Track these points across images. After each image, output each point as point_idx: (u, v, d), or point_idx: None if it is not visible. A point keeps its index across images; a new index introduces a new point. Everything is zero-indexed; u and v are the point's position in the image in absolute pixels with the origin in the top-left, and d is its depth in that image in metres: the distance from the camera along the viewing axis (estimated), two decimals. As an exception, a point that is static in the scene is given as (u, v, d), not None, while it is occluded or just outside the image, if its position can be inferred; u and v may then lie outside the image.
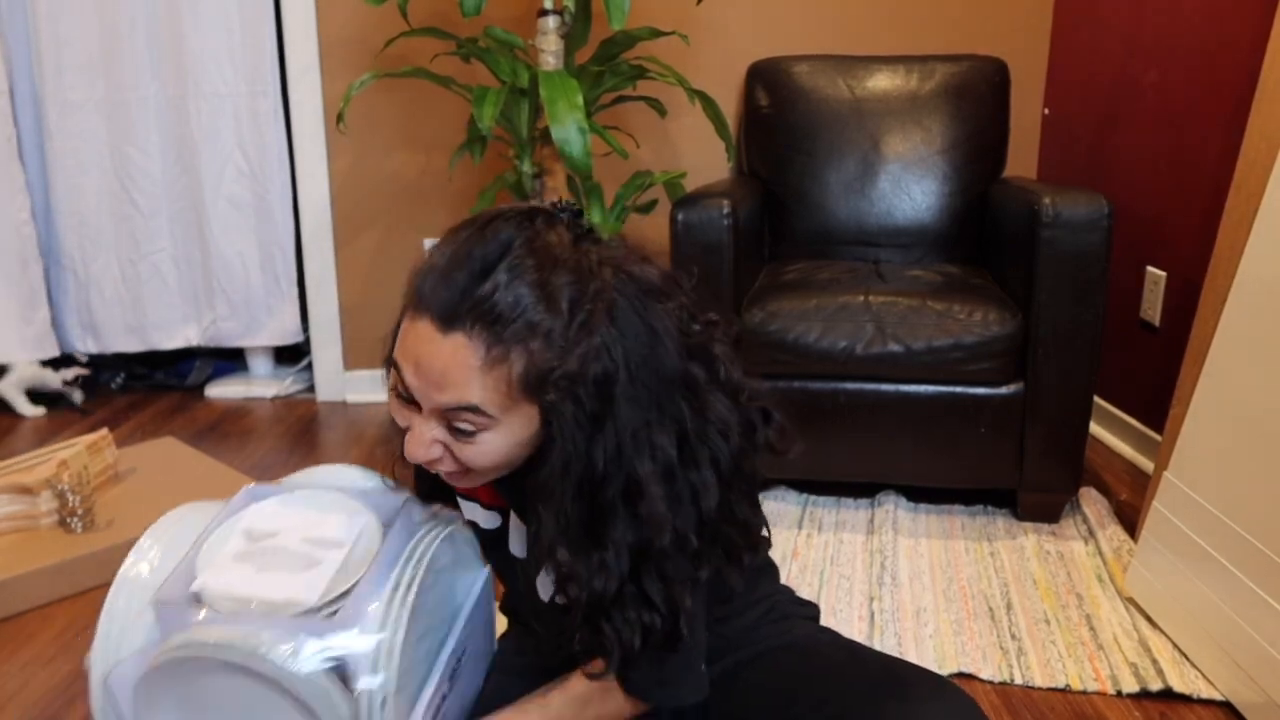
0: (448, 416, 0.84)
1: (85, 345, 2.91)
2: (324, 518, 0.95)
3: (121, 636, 0.88)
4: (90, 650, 0.88)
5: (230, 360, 3.13)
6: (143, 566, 0.92)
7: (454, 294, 0.80)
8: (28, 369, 2.77)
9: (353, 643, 0.82)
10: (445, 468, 0.88)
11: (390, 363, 0.87)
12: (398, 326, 0.87)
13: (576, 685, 0.97)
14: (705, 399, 0.88)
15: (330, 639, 0.82)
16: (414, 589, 0.87)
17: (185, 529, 0.96)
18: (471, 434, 0.84)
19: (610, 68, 2.29)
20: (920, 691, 0.92)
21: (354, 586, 0.86)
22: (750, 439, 0.92)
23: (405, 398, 0.86)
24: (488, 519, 1.05)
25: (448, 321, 0.80)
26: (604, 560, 0.86)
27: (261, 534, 0.94)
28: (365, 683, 0.82)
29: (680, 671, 0.97)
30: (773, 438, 0.95)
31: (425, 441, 0.85)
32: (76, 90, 2.73)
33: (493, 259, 0.81)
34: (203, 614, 0.85)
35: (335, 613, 0.84)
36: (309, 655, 0.81)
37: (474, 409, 0.82)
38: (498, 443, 0.85)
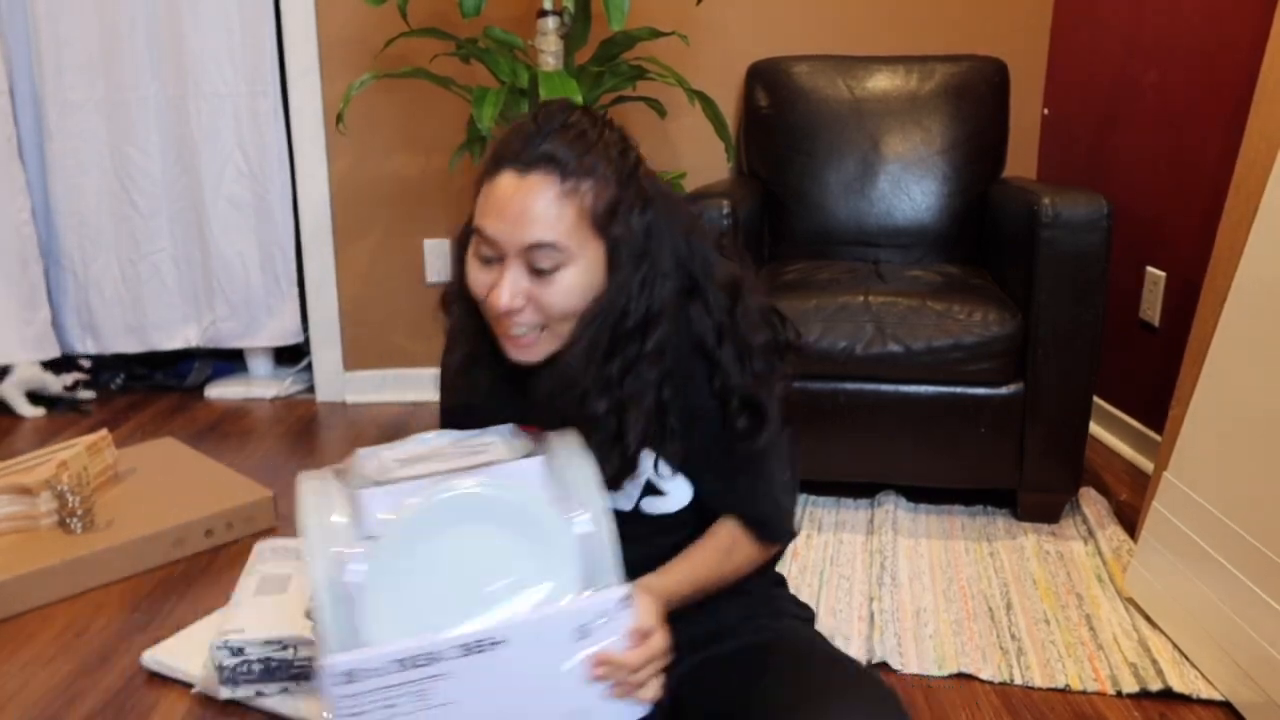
0: (530, 257, 0.96)
1: (85, 346, 2.91)
2: (457, 442, 1.01)
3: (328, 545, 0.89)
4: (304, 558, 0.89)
5: (230, 361, 3.13)
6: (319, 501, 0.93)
7: (529, 146, 0.96)
8: (28, 370, 2.77)
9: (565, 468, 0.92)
10: (526, 318, 0.99)
11: (462, 242, 1.02)
12: (468, 229, 1.01)
13: (715, 538, 1.08)
14: (710, 265, 1.05)
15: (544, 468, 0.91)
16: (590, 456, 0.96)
17: (328, 481, 0.97)
18: (551, 272, 0.96)
19: (610, 68, 2.29)
20: (842, 693, 0.98)
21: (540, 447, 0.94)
22: (740, 296, 1.07)
23: (486, 259, 0.99)
24: None
25: (525, 166, 0.95)
26: (635, 370, 1.01)
27: (412, 458, 0.98)
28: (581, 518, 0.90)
29: (788, 507, 1.14)
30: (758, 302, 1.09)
31: (513, 289, 0.97)
32: (76, 90, 2.73)
33: (557, 121, 0.98)
34: (408, 484, 0.89)
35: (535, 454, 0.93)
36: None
37: (553, 244, 0.95)
38: (573, 281, 0.97)
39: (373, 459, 0.98)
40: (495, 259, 0.98)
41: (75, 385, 2.83)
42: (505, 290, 0.97)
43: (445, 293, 1.13)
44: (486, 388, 1.09)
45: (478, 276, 1.00)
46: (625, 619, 0.89)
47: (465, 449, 0.98)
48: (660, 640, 0.91)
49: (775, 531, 1.13)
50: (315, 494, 0.93)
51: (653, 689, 0.91)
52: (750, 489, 1.09)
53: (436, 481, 0.89)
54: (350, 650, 0.84)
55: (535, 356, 1.02)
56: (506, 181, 0.96)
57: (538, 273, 0.97)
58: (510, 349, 1.02)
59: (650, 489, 1.08)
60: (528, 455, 0.95)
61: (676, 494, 1.09)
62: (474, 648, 0.85)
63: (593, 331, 0.99)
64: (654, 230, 1.01)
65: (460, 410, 1.11)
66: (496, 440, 1.00)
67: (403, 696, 0.85)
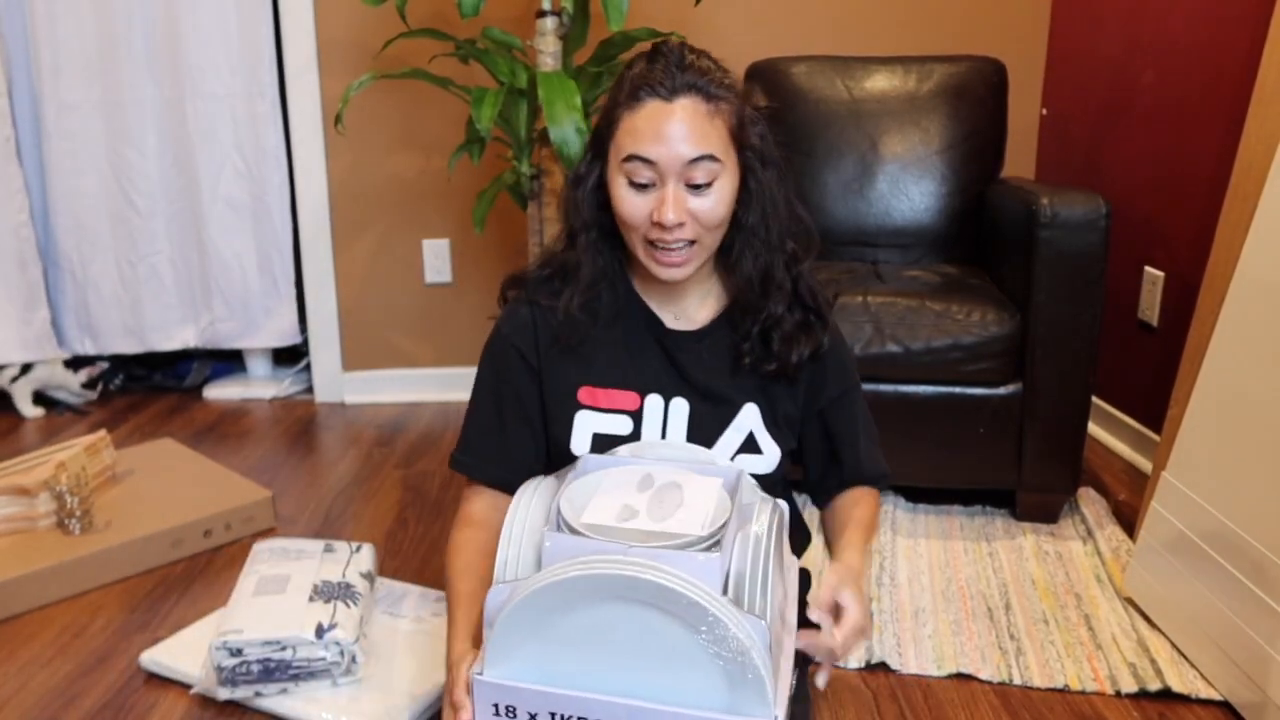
0: (688, 174, 1.06)
1: (83, 347, 2.91)
2: (676, 475, 1.02)
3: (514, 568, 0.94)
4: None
5: (228, 361, 3.13)
6: (521, 515, 0.98)
7: (668, 76, 1.06)
8: (45, 369, 2.77)
9: (742, 569, 0.89)
10: (686, 233, 1.08)
11: (578, 180, 1.14)
12: (590, 156, 1.14)
13: (861, 505, 1.23)
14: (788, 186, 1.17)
15: (721, 567, 0.87)
16: (777, 529, 0.95)
17: (540, 494, 1.02)
18: (708, 185, 1.07)
19: (608, 69, 2.29)
20: None
21: (728, 522, 0.92)
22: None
23: (641, 185, 1.07)
24: (620, 425, 1.17)
25: (672, 92, 1.05)
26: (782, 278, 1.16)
27: (616, 491, 0.99)
28: (745, 610, 0.86)
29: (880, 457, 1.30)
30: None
31: (678, 205, 1.06)
32: (74, 91, 2.72)
33: (680, 55, 1.08)
34: (595, 541, 0.89)
35: (718, 543, 0.90)
36: (703, 581, 0.85)
37: (710, 156, 1.06)
38: (725, 192, 1.09)
39: (583, 480, 1.00)
40: (650, 184, 1.07)
41: (95, 379, 2.84)
42: (670, 207, 1.05)
43: (517, 275, 1.23)
44: (608, 318, 1.18)
45: (634, 202, 1.08)
46: None
47: (663, 491, 0.98)
48: (858, 615, 1.00)
49: (885, 485, 1.29)
50: (516, 509, 0.98)
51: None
52: (870, 452, 1.27)
53: (612, 553, 0.87)
54: (502, 675, 0.87)
55: (687, 271, 1.12)
56: (655, 107, 1.05)
57: (694, 188, 1.06)
58: (661, 269, 1.11)
59: (750, 445, 1.17)
60: (713, 535, 0.91)
61: (770, 454, 1.18)
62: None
63: (762, 234, 1.13)
64: (768, 137, 1.13)
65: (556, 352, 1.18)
66: (710, 493, 0.98)
67: None
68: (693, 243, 1.09)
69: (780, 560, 0.96)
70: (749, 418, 1.18)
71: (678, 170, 1.05)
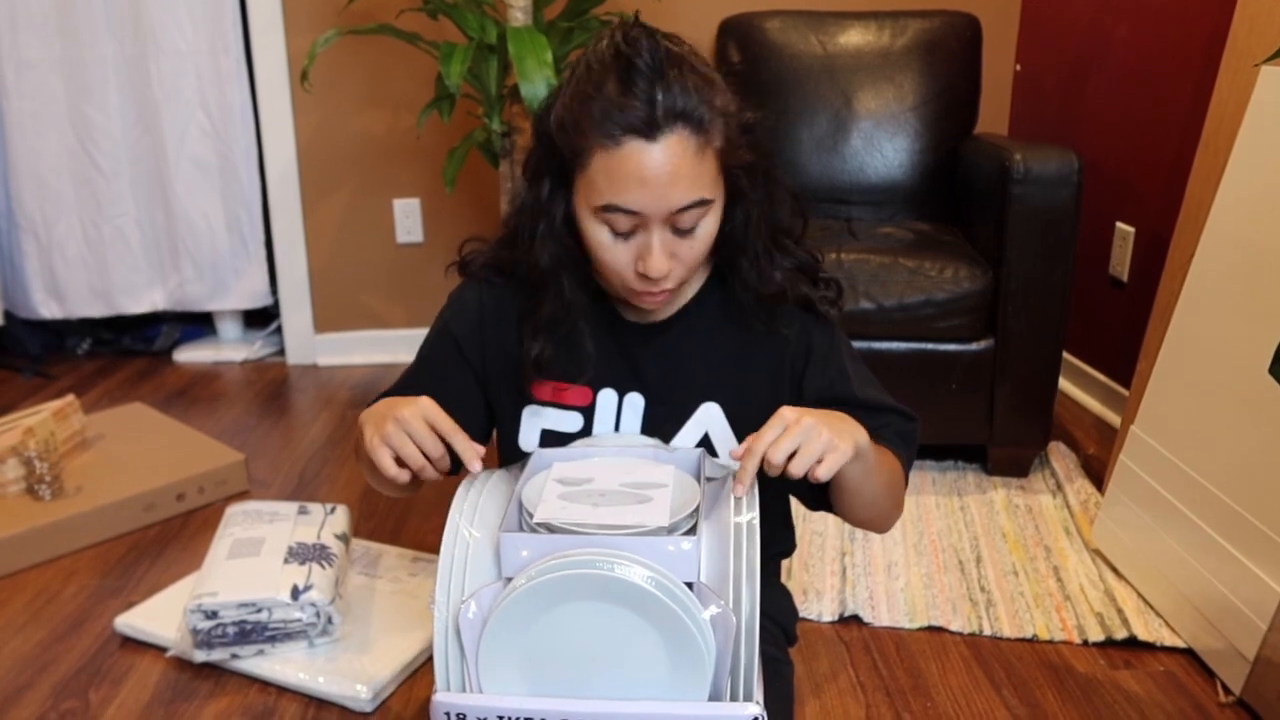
0: (675, 220, 0.94)
1: (50, 310, 2.86)
2: (632, 465, 0.98)
3: (463, 578, 0.88)
4: (433, 594, 0.89)
5: (198, 324, 3.09)
6: (465, 517, 0.92)
7: (648, 105, 0.89)
8: None
9: (712, 563, 0.86)
10: (670, 282, 0.97)
11: (537, 213, 1.00)
12: (551, 185, 0.99)
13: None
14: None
15: (693, 559, 0.84)
16: (754, 518, 0.89)
17: (489, 491, 0.96)
18: (693, 230, 0.96)
19: (579, 23, 2.25)
20: None
21: (695, 513, 0.89)
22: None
23: (623, 233, 0.95)
24: (570, 421, 1.10)
25: (655, 129, 0.89)
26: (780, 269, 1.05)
27: (576, 481, 0.95)
28: (715, 607, 0.84)
29: (909, 435, 1.12)
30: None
31: (665, 253, 0.94)
32: (32, 49, 2.65)
33: (654, 61, 0.90)
34: (555, 538, 0.85)
35: (691, 530, 0.87)
36: (675, 575, 0.83)
37: (702, 200, 0.93)
38: (710, 226, 0.97)
39: (536, 479, 0.96)
40: (632, 231, 0.95)
41: None
42: (659, 259, 0.94)
43: (468, 256, 1.12)
44: (590, 359, 1.07)
45: (616, 251, 0.96)
46: None
47: (631, 482, 0.94)
48: (792, 410, 0.90)
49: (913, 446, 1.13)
50: (459, 513, 0.92)
51: (831, 455, 0.88)
52: (888, 418, 1.11)
53: (581, 548, 0.84)
54: (460, 691, 0.87)
55: (672, 308, 1.05)
56: (637, 150, 0.90)
57: (681, 231, 0.95)
58: (646, 304, 1.02)
59: (708, 444, 1.09)
60: (690, 518, 0.88)
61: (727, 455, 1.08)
62: None
63: (754, 243, 1.03)
64: (761, 142, 1.01)
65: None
66: (667, 479, 0.95)
67: None
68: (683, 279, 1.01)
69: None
70: (708, 415, 1.08)
71: (664, 217, 0.93)
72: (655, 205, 0.92)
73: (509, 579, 0.86)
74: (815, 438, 0.89)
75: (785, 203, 1.06)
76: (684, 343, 1.09)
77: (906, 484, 1.12)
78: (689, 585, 0.84)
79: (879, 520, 1.11)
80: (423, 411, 0.93)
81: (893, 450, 1.07)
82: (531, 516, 0.88)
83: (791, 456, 0.88)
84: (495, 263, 1.10)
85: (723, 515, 0.89)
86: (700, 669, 0.83)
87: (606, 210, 0.93)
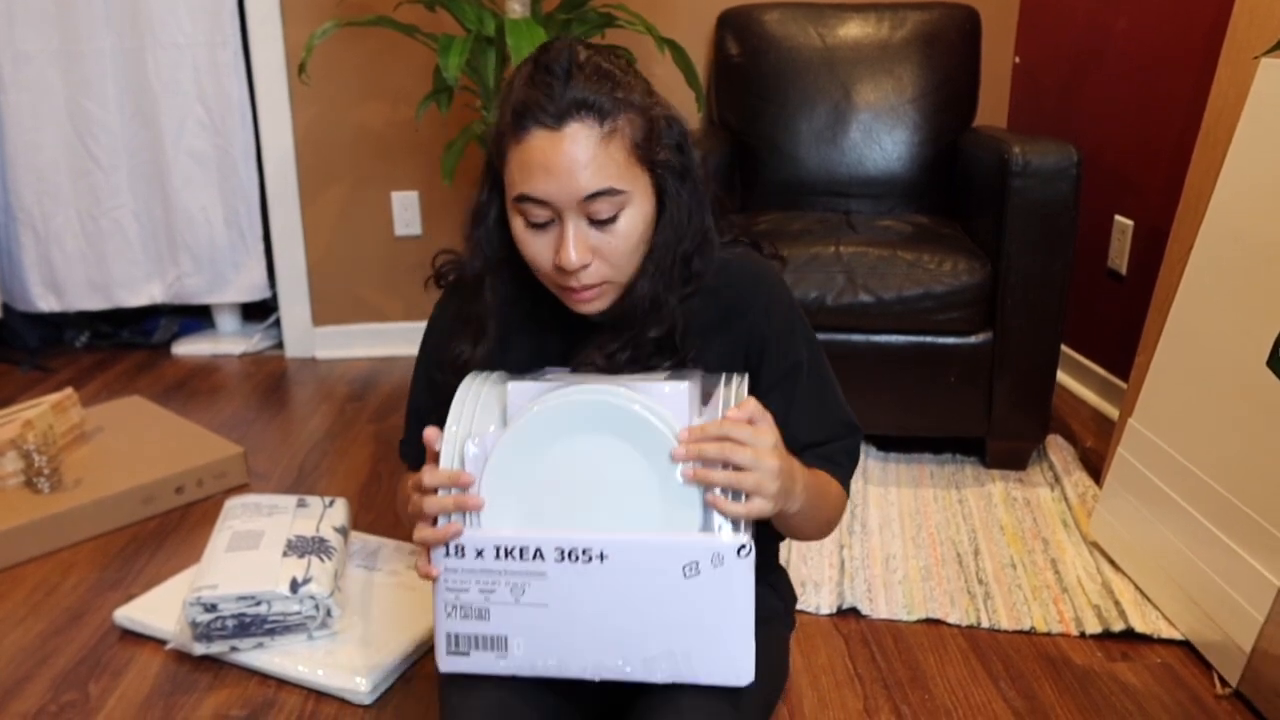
0: (588, 209, 0.93)
1: (48, 303, 2.86)
2: (618, 381, 1.00)
3: (473, 418, 0.94)
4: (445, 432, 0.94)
5: (197, 317, 3.09)
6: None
7: (552, 98, 0.92)
8: None
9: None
10: (592, 277, 0.97)
11: (479, 216, 1.02)
12: (488, 188, 1.01)
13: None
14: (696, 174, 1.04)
15: (691, 394, 0.92)
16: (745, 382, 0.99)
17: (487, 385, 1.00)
18: (612, 219, 0.95)
19: (578, 16, 2.25)
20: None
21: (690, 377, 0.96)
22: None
23: (539, 224, 0.96)
24: None
25: (558, 119, 0.91)
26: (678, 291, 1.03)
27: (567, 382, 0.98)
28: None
29: (853, 451, 1.13)
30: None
31: (579, 246, 0.94)
32: (30, 42, 2.65)
33: (565, 63, 0.93)
34: (558, 382, 0.92)
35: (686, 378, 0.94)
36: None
37: (609, 190, 0.93)
38: (634, 221, 0.96)
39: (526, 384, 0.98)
40: (548, 222, 0.95)
41: None
42: (572, 249, 0.94)
43: (441, 268, 1.11)
44: (528, 356, 1.07)
45: (535, 244, 0.97)
46: (741, 571, 0.88)
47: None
48: (770, 434, 0.90)
49: (845, 473, 1.13)
50: (467, 385, 0.98)
51: (760, 498, 0.89)
52: (834, 445, 1.11)
53: (582, 387, 0.91)
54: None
55: (603, 304, 1.01)
56: (541, 138, 0.92)
57: (598, 223, 0.95)
58: (576, 304, 1.00)
59: None
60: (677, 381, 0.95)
61: None
62: (572, 555, 0.89)
63: (665, 260, 1.01)
64: (685, 145, 1.01)
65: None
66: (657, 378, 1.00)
67: (500, 585, 0.91)
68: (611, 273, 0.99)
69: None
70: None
71: (575, 206, 0.93)
72: (562, 193, 0.92)
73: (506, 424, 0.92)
74: (766, 479, 0.89)
75: (709, 210, 1.05)
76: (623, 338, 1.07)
77: (848, 494, 1.13)
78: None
79: (802, 537, 1.12)
80: (413, 509, 0.94)
81: (832, 471, 1.08)
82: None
83: (732, 468, 0.89)
84: (463, 271, 1.10)
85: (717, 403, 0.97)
86: (691, 503, 0.89)
87: (520, 201, 0.95)
